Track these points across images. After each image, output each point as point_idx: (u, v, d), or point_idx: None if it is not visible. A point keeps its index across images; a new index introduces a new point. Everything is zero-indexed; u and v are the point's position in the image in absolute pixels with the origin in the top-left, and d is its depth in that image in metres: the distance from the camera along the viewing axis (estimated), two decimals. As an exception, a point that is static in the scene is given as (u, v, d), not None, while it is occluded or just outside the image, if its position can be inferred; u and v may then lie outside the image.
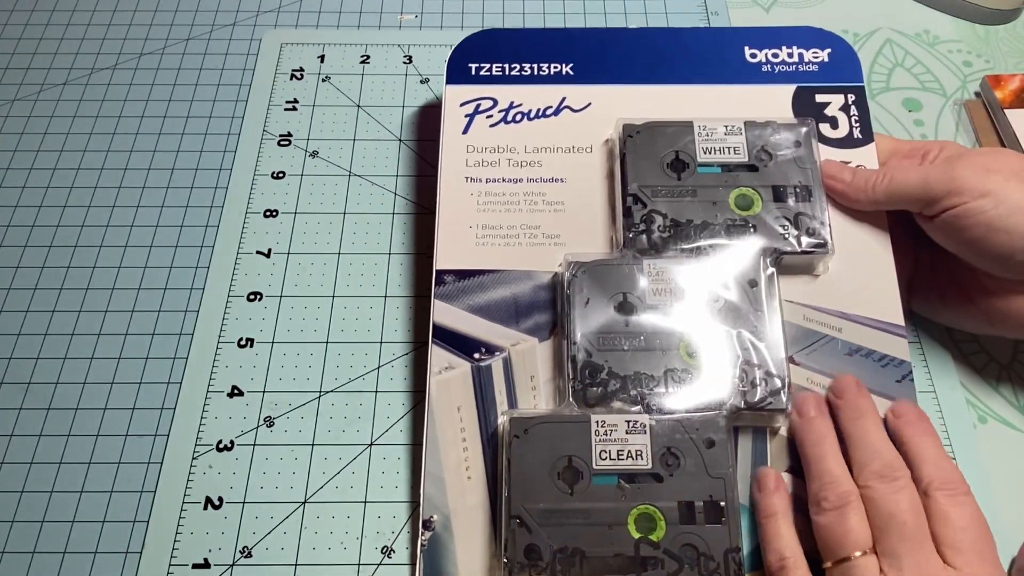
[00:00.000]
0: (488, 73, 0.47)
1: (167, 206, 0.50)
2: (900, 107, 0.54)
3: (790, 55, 0.48)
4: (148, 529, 0.39)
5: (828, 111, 0.46)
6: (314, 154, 0.52)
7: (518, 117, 0.46)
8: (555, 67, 0.47)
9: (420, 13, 0.60)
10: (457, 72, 0.47)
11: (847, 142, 0.45)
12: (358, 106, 0.54)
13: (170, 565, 0.38)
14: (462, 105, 0.47)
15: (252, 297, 0.46)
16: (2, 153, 0.53)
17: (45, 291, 0.47)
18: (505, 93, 0.47)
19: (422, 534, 0.37)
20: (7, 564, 0.39)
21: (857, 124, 0.45)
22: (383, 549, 0.39)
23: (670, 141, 0.43)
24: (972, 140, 0.53)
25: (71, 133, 0.54)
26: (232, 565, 0.38)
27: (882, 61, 0.57)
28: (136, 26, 0.59)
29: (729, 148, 0.43)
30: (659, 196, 0.42)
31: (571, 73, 0.47)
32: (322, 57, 0.57)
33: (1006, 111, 0.52)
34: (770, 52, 0.48)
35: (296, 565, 0.38)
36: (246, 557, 0.39)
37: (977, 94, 0.55)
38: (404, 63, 0.56)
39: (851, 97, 0.46)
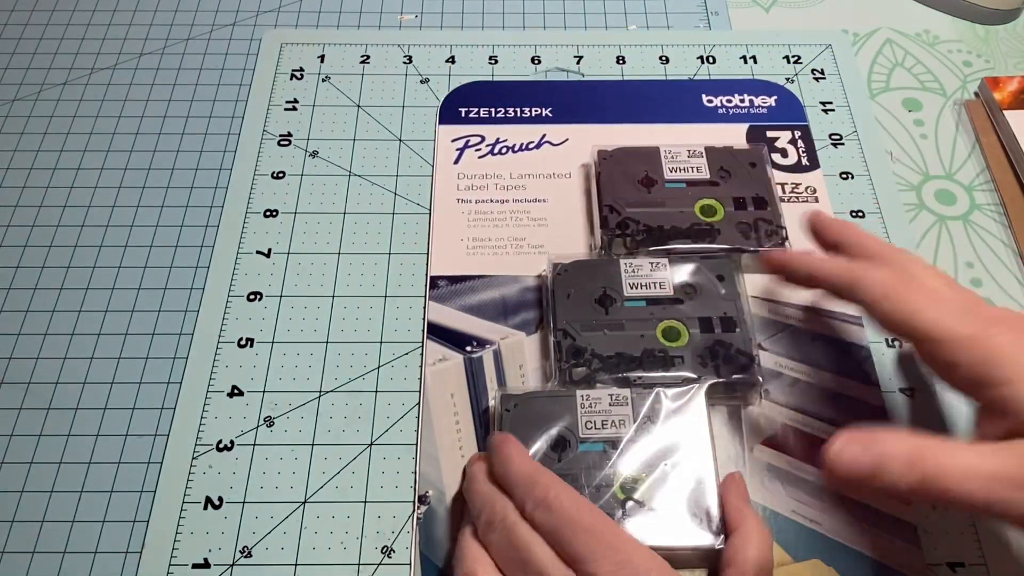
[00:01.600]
0: (476, 115, 0.53)
1: (167, 206, 0.50)
2: (900, 107, 0.54)
3: (742, 101, 0.53)
4: (148, 529, 0.39)
5: (778, 144, 0.51)
6: (314, 154, 0.52)
7: (503, 150, 0.51)
8: (535, 110, 0.53)
9: (420, 13, 0.60)
10: (448, 115, 0.53)
11: (796, 168, 0.50)
12: (358, 106, 0.54)
13: (170, 565, 0.38)
14: (453, 141, 0.52)
15: (252, 297, 0.46)
16: (2, 153, 0.53)
17: (45, 291, 0.47)
18: (491, 131, 0.52)
19: (418, 508, 0.39)
20: (7, 564, 0.39)
21: (804, 154, 0.51)
22: (383, 549, 0.39)
23: (640, 162, 0.48)
24: (972, 140, 0.53)
25: (71, 133, 0.54)
26: (232, 565, 0.38)
27: (882, 61, 0.57)
28: (136, 26, 0.59)
29: (692, 168, 0.47)
30: (632, 207, 0.46)
31: (550, 115, 0.53)
32: (322, 57, 0.57)
33: (1005, 112, 0.52)
34: (724, 98, 0.53)
35: (296, 565, 0.38)
36: (246, 557, 0.39)
37: (976, 95, 0.55)
38: (404, 63, 0.56)
39: (797, 133, 0.52)
